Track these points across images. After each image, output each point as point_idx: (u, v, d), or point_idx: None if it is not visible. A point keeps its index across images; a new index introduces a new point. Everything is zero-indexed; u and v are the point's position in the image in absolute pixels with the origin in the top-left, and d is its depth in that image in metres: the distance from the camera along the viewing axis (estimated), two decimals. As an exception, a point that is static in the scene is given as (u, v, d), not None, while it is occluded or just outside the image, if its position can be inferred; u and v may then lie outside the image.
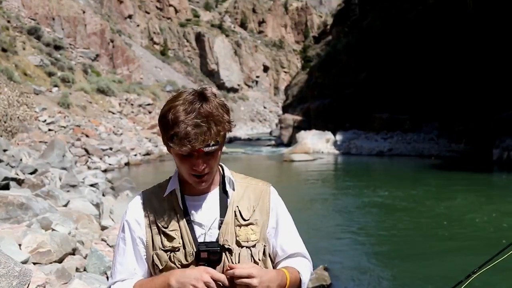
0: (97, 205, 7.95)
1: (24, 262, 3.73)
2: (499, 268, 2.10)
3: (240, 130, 59.97)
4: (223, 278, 1.32)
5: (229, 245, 1.40)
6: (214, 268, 1.35)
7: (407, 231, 8.62)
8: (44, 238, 4.30)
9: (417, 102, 28.21)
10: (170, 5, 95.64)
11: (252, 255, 1.42)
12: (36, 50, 33.57)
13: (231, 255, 1.40)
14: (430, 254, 7.07)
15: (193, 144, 1.32)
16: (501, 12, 23.41)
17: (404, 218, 9.65)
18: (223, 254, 1.39)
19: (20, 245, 4.17)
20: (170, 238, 1.41)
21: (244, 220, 1.44)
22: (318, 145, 27.92)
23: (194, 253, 1.38)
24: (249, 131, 62.89)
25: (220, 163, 1.50)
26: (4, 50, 27.83)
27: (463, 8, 25.87)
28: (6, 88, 18.99)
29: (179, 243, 1.40)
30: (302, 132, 29.84)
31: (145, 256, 1.45)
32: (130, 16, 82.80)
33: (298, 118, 35.85)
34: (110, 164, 18.84)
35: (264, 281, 1.34)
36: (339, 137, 29.32)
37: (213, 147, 1.35)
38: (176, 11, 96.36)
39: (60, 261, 4.27)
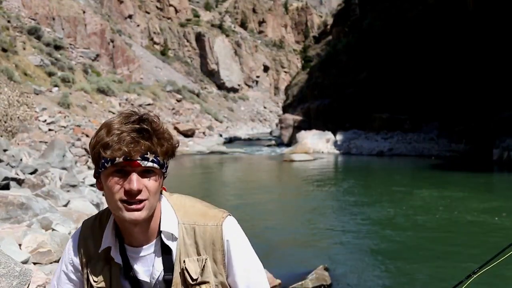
0: (97, 205, 7.96)
1: (24, 262, 3.73)
2: (500, 268, 2.09)
3: (240, 130, 59.94)
4: None
5: None
6: None
7: (407, 231, 8.62)
8: (44, 238, 4.29)
9: (417, 102, 28.20)
10: (170, 5, 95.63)
11: None
12: (36, 50, 33.57)
13: None
14: (431, 254, 7.06)
15: (129, 148, 1.10)
16: (501, 12, 23.41)
17: (404, 218, 9.65)
18: None
19: (20, 245, 4.17)
20: None
21: (193, 279, 1.21)
22: (318, 145, 27.92)
23: None
24: (249, 131, 62.84)
25: (164, 201, 1.27)
26: (4, 50, 27.82)
27: (463, 8, 25.86)
28: (6, 88, 18.99)
29: None
30: (302, 132, 29.83)
31: None
32: (130, 16, 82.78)
33: (298, 118, 35.84)
34: (110, 164, 18.83)
35: None
36: (339, 137, 29.31)
37: (152, 163, 1.13)
38: (176, 11, 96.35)
39: None
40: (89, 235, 1.29)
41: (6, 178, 7.29)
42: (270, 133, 51.80)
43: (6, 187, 7.24)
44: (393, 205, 11.06)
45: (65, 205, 7.07)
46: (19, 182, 7.84)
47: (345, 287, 5.87)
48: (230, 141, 41.44)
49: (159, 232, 1.24)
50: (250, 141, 43.47)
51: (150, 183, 1.15)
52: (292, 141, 32.13)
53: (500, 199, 11.78)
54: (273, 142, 38.20)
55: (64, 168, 11.65)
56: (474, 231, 8.44)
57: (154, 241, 1.24)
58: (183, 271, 1.22)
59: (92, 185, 10.89)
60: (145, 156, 1.12)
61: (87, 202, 7.76)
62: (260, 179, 18.33)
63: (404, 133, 28.08)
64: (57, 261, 4.23)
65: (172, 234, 1.23)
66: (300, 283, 5.64)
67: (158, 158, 1.15)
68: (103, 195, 1.22)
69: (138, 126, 1.13)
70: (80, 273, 1.30)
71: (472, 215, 9.68)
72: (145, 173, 1.15)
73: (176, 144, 1.21)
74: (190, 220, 1.25)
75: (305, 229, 9.16)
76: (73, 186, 9.29)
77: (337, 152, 27.33)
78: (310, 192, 13.96)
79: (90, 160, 18.45)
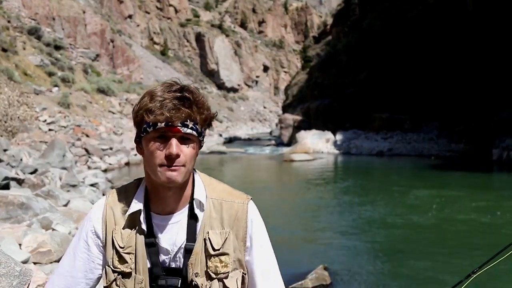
0: (97, 205, 7.95)
1: (25, 262, 3.73)
2: (500, 268, 2.10)
3: (240, 130, 59.93)
4: None
5: (195, 282, 1.25)
6: None
7: (407, 231, 8.62)
8: (45, 238, 4.30)
9: (417, 102, 28.21)
10: (170, 5, 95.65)
11: (225, 287, 1.27)
12: (37, 50, 33.57)
13: None
14: (430, 254, 7.07)
15: (171, 114, 1.17)
16: (501, 12, 23.42)
17: (403, 218, 9.65)
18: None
19: (20, 244, 4.17)
20: (122, 261, 1.27)
21: (214, 249, 1.26)
22: (318, 145, 27.92)
23: (144, 281, 1.26)
24: (249, 131, 62.83)
25: (196, 175, 1.33)
26: (4, 50, 27.82)
27: (463, 8, 25.87)
28: (6, 88, 19.00)
29: (131, 268, 1.27)
30: (302, 132, 29.83)
31: (96, 268, 1.32)
32: (130, 16, 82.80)
33: (298, 118, 35.84)
34: (110, 164, 18.83)
35: None
36: (339, 137, 29.31)
37: (191, 130, 1.20)
38: (176, 11, 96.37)
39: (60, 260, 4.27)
40: (115, 203, 1.33)
41: (6, 178, 7.30)
42: (270, 133, 51.83)
43: (6, 187, 7.24)
44: (392, 205, 11.07)
45: (65, 205, 7.07)
46: (19, 182, 7.84)
47: (344, 287, 5.87)
48: (230, 141, 41.45)
49: (190, 201, 1.29)
50: (250, 141, 43.46)
51: (188, 149, 1.22)
52: (292, 141, 32.13)
53: (499, 199, 11.78)
54: (273, 142, 38.21)
55: (64, 168, 11.65)
56: (474, 230, 8.45)
57: (182, 209, 1.29)
58: (205, 241, 1.27)
59: (92, 185, 10.88)
60: (185, 123, 1.19)
61: (87, 202, 7.77)
62: (260, 179, 18.32)
63: (404, 133, 28.09)
64: (57, 261, 4.24)
65: (200, 202, 1.29)
66: (300, 282, 5.64)
67: (197, 126, 1.22)
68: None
69: (180, 94, 1.20)
70: (100, 240, 1.31)
71: (471, 214, 9.68)
72: (184, 140, 1.22)
73: (214, 114, 1.29)
74: (218, 196, 1.33)
75: (305, 229, 9.16)
76: (73, 186, 9.30)
77: (337, 152, 27.33)
78: (310, 192, 13.96)
79: (90, 160, 18.50)
